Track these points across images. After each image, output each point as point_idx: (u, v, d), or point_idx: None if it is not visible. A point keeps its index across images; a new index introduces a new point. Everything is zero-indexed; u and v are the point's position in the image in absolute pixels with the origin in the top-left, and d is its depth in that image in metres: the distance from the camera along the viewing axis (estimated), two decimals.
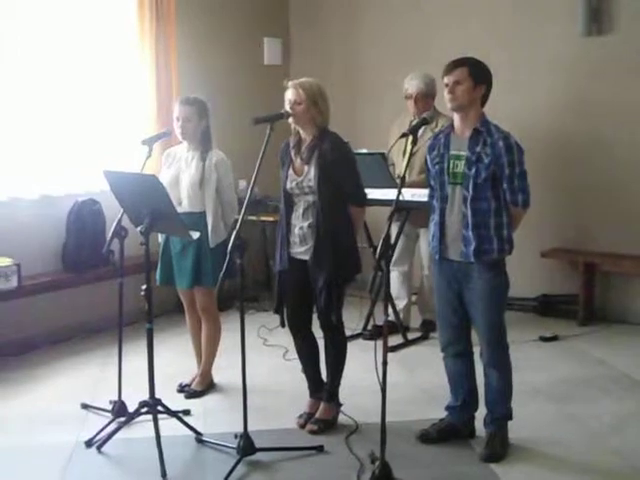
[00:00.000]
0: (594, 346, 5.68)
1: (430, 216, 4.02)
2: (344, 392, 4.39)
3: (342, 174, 4.09)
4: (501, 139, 3.76)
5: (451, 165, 3.85)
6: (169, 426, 4.19)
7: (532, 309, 6.53)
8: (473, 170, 3.77)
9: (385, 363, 3.53)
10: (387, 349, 3.57)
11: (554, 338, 5.85)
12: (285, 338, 4.89)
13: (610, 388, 4.86)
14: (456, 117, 3.88)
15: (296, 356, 4.49)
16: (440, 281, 4.00)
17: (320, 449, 4.03)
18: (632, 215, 6.17)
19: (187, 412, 4.49)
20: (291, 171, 4.19)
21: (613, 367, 5.24)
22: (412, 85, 5.76)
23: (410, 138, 3.80)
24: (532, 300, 6.54)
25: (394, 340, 5.63)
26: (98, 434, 4.17)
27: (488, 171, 3.76)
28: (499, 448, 3.94)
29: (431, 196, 4.02)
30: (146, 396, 4.14)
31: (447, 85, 3.79)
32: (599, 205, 6.33)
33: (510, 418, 4.02)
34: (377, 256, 3.50)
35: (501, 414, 4.00)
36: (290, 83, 4.13)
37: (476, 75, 3.78)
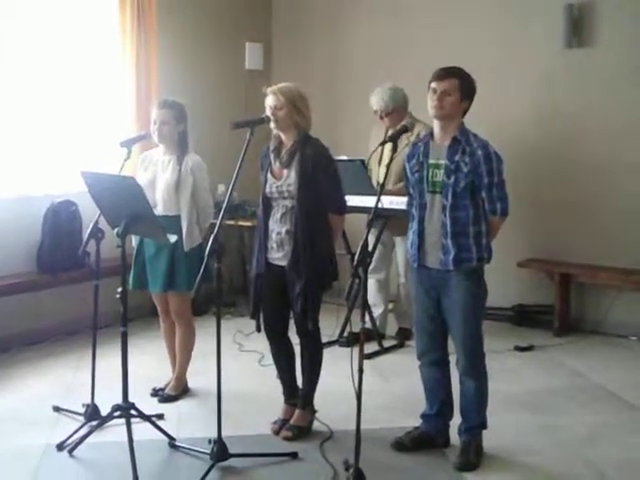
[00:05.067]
0: (569, 356, 5.71)
1: (409, 224, 4.03)
2: (319, 399, 4.38)
3: (323, 181, 4.07)
4: (480, 148, 3.77)
5: (430, 174, 3.86)
6: (142, 430, 4.15)
7: (508, 319, 6.55)
8: (452, 179, 3.78)
9: (361, 370, 3.52)
10: (363, 356, 3.56)
11: (529, 348, 5.88)
12: (261, 344, 4.87)
13: (584, 399, 4.88)
14: (436, 126, 3.88)
15: (272, 362, 4.48)
16: (418, 289, 4.00)
17: (294, 456, 4.02)
18: (608, 227, 6.21)
19: (160, 417, 4.46)
20: (270, 175, 4.18)
21: (588, 378, 5.26)
22: (374, 103, 5.76)
23: (388, 146, 3.80)
24: (508, 310, 6.56)
25: (370, 348, 5.62)
26: (70, 437, 4.13)
27: (467, 180, 3.77)
28: (473, 457, 3.94)
29: (410, 204, 4.03)
30: (119, 400, 4.10)
31: (435, 91, 3.78)
32: (576, 216, 6.37)
33: (485, 427, 4.02)
34: (355, 263, 3.49)
35: (476, 423, 4.00)
36: (269, 89, 4.11)
37: (465, 89, 3.80)
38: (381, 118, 5.76)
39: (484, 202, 3.82)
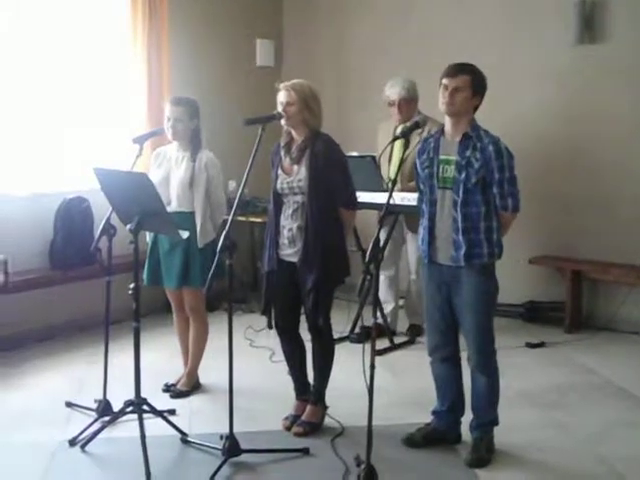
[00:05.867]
0: (580, 353, 5.70)
1: (420, 220, 4.03)
2: (330, 395, 4.38)
3: (334, 176, 4.08)
4: (491, 144, 3.77)
5: (441, 169, 3.85)
6: (154, 426, 4.18)
7: (519, 315, 6.53)
8: (463, 174, 3.78)
9: (373, 366, 3.51)
10: (375, 352, 3.56)
11: (540, 345, 5.86)
12: (272, 340, 4.89)
13: (595, 395, 4.87)
14: (447, 122, 3.88)
15: (282, 358, 4.48)
16: (429, 285, 4.00)
17: (306, 452, 4.03)
18: (619, 223, 6.19)
19: (172, 412, 4.48)
20: (280, 171, 4.18)
21: (599, 374, 5.25)
22: (393, 92, 5.75)
23: (399, 142, 3.79)
24: (519, 306, 6.54)
25: (381, 344, 5.62)
26: (82, 433, 4.15)
27: (478, 175, 3.76)
28: (485, 453, 3.94)
29: (420, 200, 4.02)
30: (131, 395, 4.13)
31: (446, 88, 3.78)
32: (587, 213, 6.35)
33: (496, 423, 4.02)
34: (366, 260, 3.49)
35: (487, 419, 4.00)
36: (282, 85, 4.13)
37: (476, 85, 3.80)
38: (399, 109, 5.74)
39: (495, 198, 3.82)
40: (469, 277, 3.83)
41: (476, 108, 3.87)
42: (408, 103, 5.72)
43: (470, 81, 3.78)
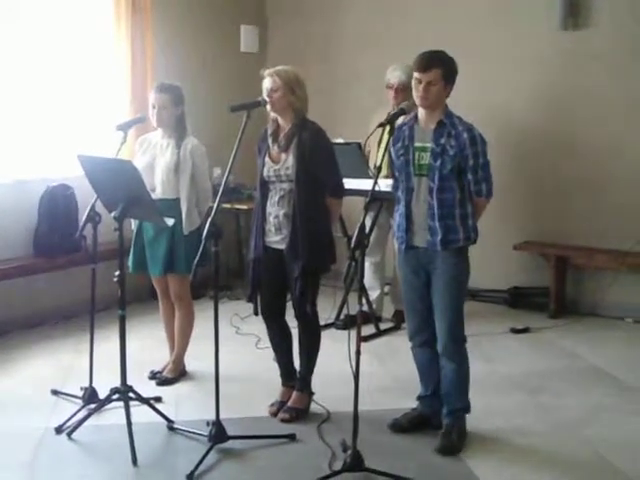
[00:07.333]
0: (564, 338, 5.74)
1: (395, 207, 4.04)
2: (316, 381, 4.40)
3: (320, 165, 4.09)
4: (465, 131, 3.80)
5: (416, 157, 3.87)
6: (140, 413, 4.17)
7: (503, 301, 6.55)
8: (438, 162, 3.80)
9: (358, 352, 3.53)
10: (360, 338, 3.57)
11: (525, 330, 5.90)
12: (257, 327, 4.89)
13: (580, 380, 4.91)
14: (421, 110, 3.90)
15: (268, 345, 4.50)
16: (406, 270, 4.02)
17: (292, 437, 4.04)
18: (604, 209, 6.22)
19: (158, 399, 4.48)
20: (268, 159, 4.18)
21: (583, 359, 5.29)
22: (394, 76, 5.76)
23: (387, 128, 3.80)
24: (504, 292, 6.57)
25: (366, 330, 5.60)
26: (68, 420, 4.14)
27: (453, 162, 3.79)
28: (456, 440, 3.93)
29: (396, 187, 4.04)
30: (117, 383, 4.12)
31: (419, 82, 3.80)
32: (572, 199, 6.38)
33: (468, 411, 4.02)
34: (352, 246, 3.50)
35: (457, 406, 3.99)
36: (267, 71, 4.12)
37: (447, 75, 3.82)
38: (396, 93, 5.73)
39: (469, 184, 3.85)
40: (444, 258, 3.85)
41: (448, 94, 3.88)
42: (405, 89, 5.71)
43: (441, 73, 3.79)
